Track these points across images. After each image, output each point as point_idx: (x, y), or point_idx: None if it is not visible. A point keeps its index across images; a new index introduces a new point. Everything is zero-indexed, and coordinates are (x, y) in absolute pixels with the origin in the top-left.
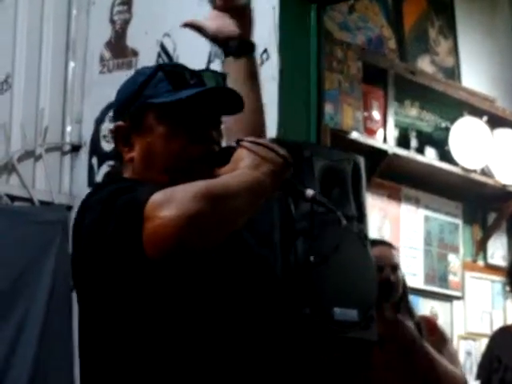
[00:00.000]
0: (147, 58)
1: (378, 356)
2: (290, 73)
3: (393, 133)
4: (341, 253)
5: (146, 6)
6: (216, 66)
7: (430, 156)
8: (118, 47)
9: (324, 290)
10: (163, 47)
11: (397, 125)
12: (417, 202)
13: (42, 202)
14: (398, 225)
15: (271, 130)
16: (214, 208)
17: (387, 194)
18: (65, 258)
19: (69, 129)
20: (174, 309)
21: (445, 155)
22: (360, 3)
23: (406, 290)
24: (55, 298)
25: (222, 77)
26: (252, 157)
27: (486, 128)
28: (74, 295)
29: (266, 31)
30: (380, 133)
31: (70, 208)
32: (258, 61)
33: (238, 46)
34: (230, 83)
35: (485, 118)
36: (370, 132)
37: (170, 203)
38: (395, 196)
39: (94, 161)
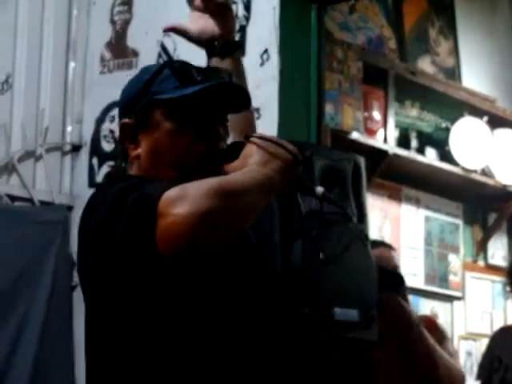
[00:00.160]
0: (148, 58)
1: (378, 354)
2: (291, 73)
3: (393, 133)
4: (341, 253)
5: (146, 6)
6: None
7: (430, 156)
8: (119, 47)
9: (324, 289)
10: (164, 47)
11: (397, 125)
12: (417, 203)
13: (42, 202)
14: (398, 225)
15: (271, 130)
16: (227, 205)
17: (388, 195)
18: (65, 258)
19: (69, 129)
20: (186, 304)
21: (445, 155)
22: (360, 3)
23: (406, 292)
24: (55, 298)
25: (228, 74)
26: (261, 153)
27: (487, 128)
28: (74, 295)
29: (266, 31)
30: (380, 133)
31: (70, 208)
32: (259, 61)
33: (222, 46)
34: None
35: (485, 119)
36: (371, 132)
37: (182, 200)
38: (396, 196)
39: (95, 161)
